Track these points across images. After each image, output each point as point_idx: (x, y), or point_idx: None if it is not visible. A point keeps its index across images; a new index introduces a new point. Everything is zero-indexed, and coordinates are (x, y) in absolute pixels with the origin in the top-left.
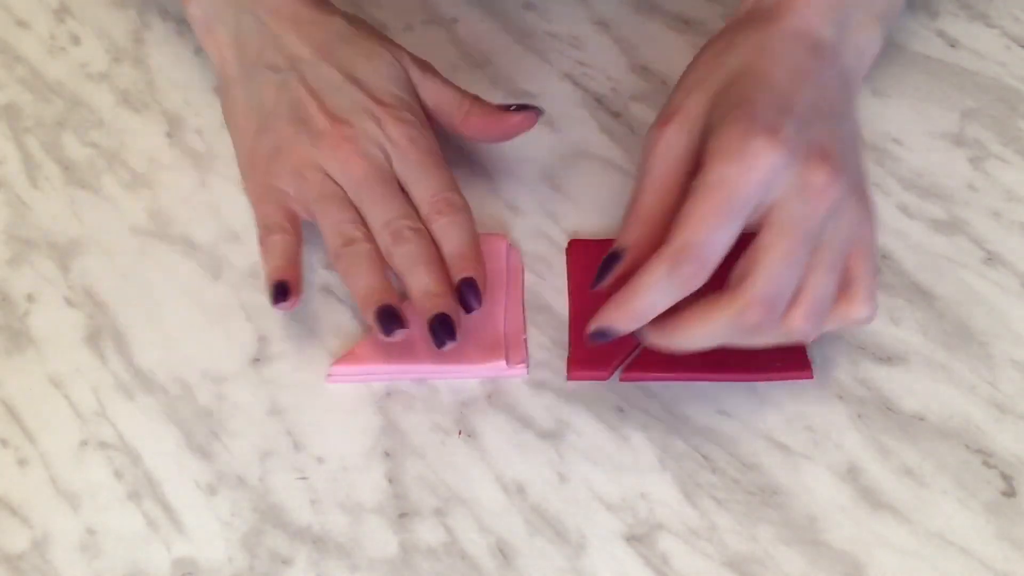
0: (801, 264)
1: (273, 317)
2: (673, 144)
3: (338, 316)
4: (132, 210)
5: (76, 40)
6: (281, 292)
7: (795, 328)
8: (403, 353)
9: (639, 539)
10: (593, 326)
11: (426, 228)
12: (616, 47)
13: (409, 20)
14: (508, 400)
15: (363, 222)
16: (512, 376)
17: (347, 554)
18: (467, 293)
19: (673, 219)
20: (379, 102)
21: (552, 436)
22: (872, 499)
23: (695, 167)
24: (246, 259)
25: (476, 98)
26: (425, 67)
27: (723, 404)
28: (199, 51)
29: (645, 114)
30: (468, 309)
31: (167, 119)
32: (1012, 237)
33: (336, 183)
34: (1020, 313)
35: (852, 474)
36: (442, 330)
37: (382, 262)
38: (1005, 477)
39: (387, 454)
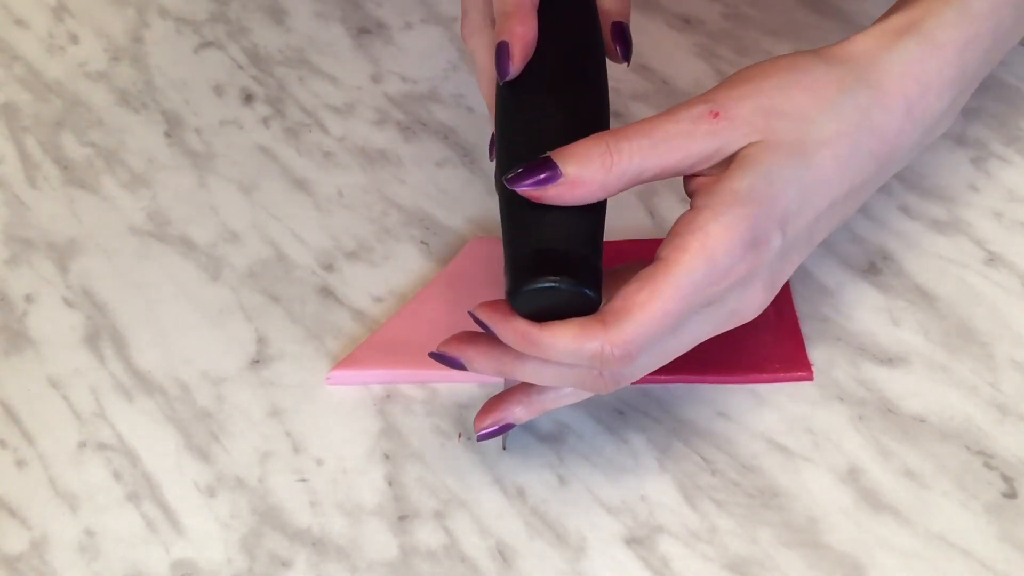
0: (674, 335)
1: (272, 318)
2: (706, 140)
3: (338, 317)
4: (131, 210)
5: (75, 39)
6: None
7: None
8: (404, 357)
9: (639, 542)
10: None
11: None
12: None
13: (408, 19)
14: None
15: None
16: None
17: (347, 556)
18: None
19: (628, 293)
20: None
21: (552, 438)
22: (873, 501)
23: (698, 170)
24: (245, 259)
25: None
26: None
27: (723, 406)
28: (198, 50)
29: (645, 114)
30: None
31: (166, 119)
32: (1014, 238)
33: None
34: (1021, 314)
35: (853, 476)
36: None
37: None
38: (1006, 479)
39: (387, 456)
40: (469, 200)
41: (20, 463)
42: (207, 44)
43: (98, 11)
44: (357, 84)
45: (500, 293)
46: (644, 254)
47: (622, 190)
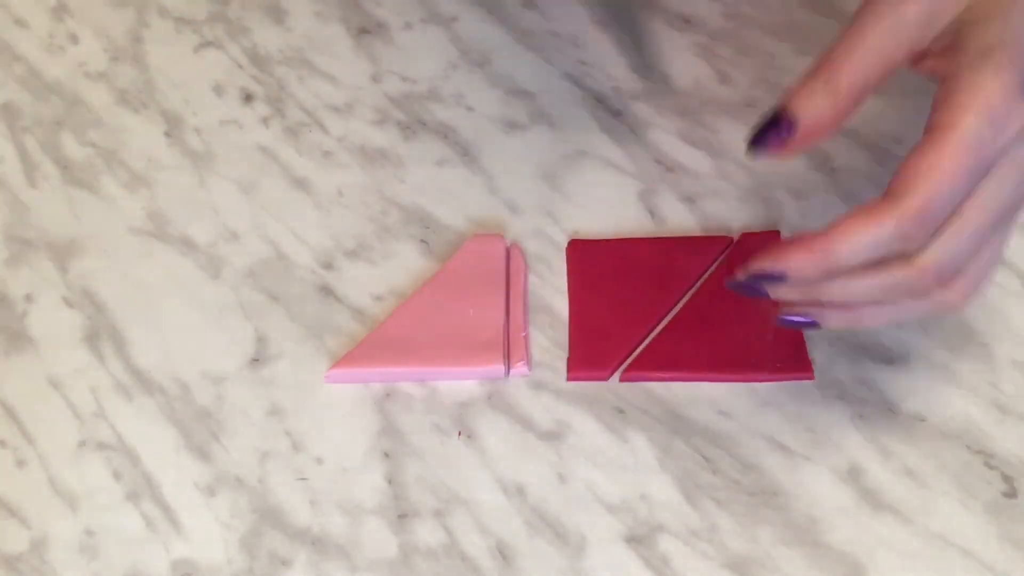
0: (986, 242)
1: (272, 317)
2: (906, 25)
3: (338, 316)
4: (131, 210)
5: (74, 39)
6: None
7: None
8: (402, 355)
9: (639, 540)
10: (764, 266)
11: None
12: (616, 46)
13: (408, 18)
14: (508, 401)
15: None
16: (514, 375)
17: (346, 555)
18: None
19: (910, 163)
20: None
21: (552, 437)
22: (873, 500)
23: (915, 58)
24: (245, 259)
25: None
26: None
27: (723, 405)
28: (198, 49)
29: (645, 113)
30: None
31: (166, 118)
32: (1014, 237)
33: None
34: (1022, 314)
35: (853, 475)
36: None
37: None
38: (1006, 478)
39: (387, 455)
40: (469, 199)
41: (20, 463)
42: (207, 44)
43: (98, 11)
44: (357, 84)
45: (500, 291)
46: (652, 250)
47: (851, 116)
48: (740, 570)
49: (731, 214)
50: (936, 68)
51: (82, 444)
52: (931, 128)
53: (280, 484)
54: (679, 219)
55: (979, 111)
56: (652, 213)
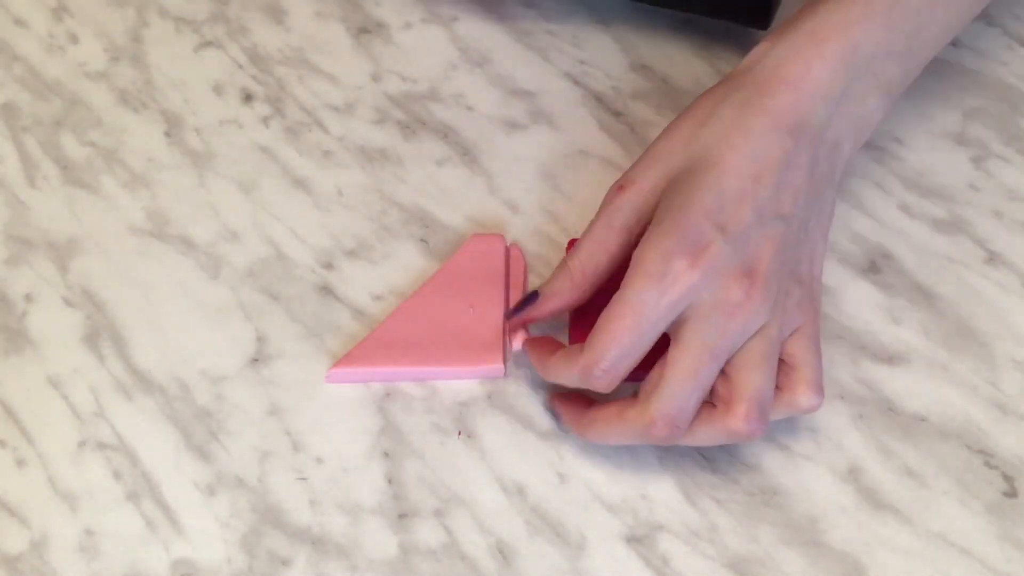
0: (705, 381)
1: (272, 317)
2: (621, 213)
3: (338, 316)
4: (131, 209)
5: (74, 39)
6: None
7: (736, 430)
8: (402, 355)
9: (639, 540)
10: (516, 345)
11: None
12: (616, 46)
13: (408, 18)
14: (508, 400)
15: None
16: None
17: (346, 555)
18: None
19: (595, 327)
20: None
21: (552, 436)
22: (873, 500)
23: (638, 237)
24: (245, 258)
25: None
26: None
27: None
28: (198, 49)
29: (645, 113)
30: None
31: (166, 118)
32: (1014, 237)
33: None
34: (1021, 313)
35: (853, 475)
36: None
37: None
38: (1007, 478)
39: (386, 455)
40: (468, 198)
41: (20, 463)
42: (207, 44)
43: (98, 11)
44: (357, 84)
45: (500, 291)
46: None
47: (593, 286)
48: (740, 570)
49: None
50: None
51: (82, 444)
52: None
53: (280, 484)
54: None
55: (639, 276)
56: None
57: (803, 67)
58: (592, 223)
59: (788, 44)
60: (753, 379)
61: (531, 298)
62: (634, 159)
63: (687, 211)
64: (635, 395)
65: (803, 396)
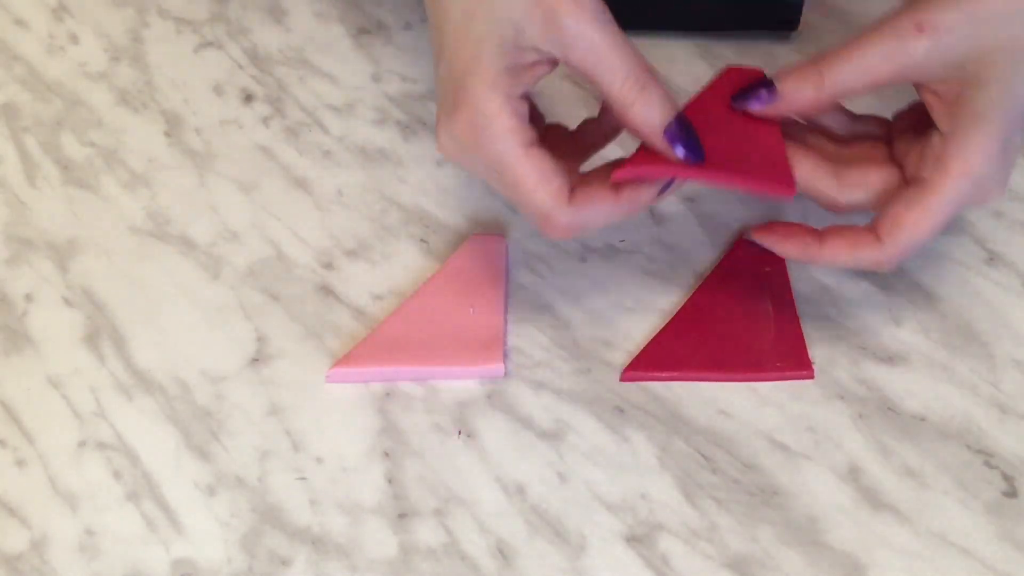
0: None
1: (272, 316)
2: (912, 56)
3: (338, 316)
4: (131, 210)
5: (75, 39)
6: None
7: (880, 265)
8: (403, 354)
9: (639, 539)
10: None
11: None
12: None
13: (408, 18)
14: (508, 400)
15: None
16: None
17: (346, 555)
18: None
19: (897, 212)
20: (446, 99)
21: (552, 436)
22: (873, 499)
23: (904, 82)
24: (245, 258)
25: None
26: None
27: (724, 404)
28: (198, 49)
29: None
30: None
31: (166, 118)
32: (1014, 237)
33: None
34: (1022, 313)
35: (853, 474)
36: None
37: None
38: (1006, 478)
39: (386, 454)
40: (468, 198)
41: (20, 462)
42: (207, 44)
43: (98, 11)
44: (357, 84)
45: (500, 291)
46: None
47: (834, 105)
48: (740, 570)
49: (731, 214)
50: (936, 111)
51: (82, 444)
52: (920, 182)
53: (280, 483)
54: (679, 219)
55: (963, 177)
56: (652, 213)
57: None
58: (866, 43)
59: None
60: (929, 232)
61: (766, 91)
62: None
63: (1010, 110)
64: (867, 227)
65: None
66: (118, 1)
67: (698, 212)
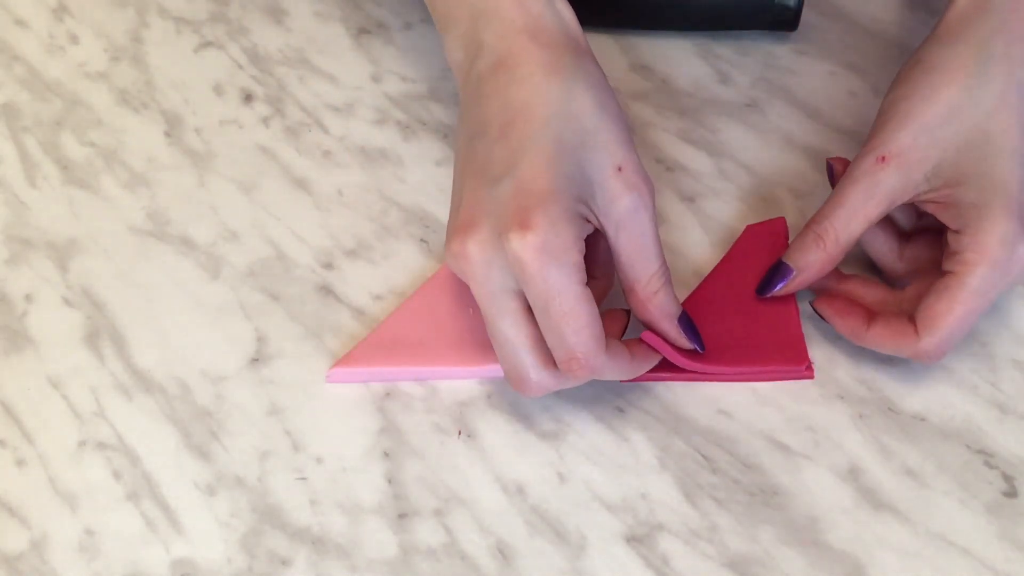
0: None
1: (272, 316)
2: (881, 186)
3: (338, 316)
4: (131, 210)
5: (75, 39)
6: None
7: (925, 357)
8: (403, 354)
9: (639, 539)
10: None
11: None
12: (616, 46)
13: (408, 18)
14: (508, 400)
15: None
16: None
17: (346, 555)
18: None
19: (931, 304)
20: (518, 210)
21: (552, 436)
22: (873, 499)
23: (893, 206)
24: (245, 258)
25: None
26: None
27: (724, 404)
28: (198, 49)
29: (645, 113)
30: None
31: (166, 118)
32: None
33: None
34: (1022, 313)
35: (853, 474)
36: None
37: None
38: (1006, 477)
39: (386, 454)
40: None
41: (20, 462)
42: (207, 44)
43: (98, 11)
44: (357, 84)
45: None
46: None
47: (844, 256)
48: (740, 570)
49: (731, 214)
50: (942, 215)
51: (82, 444)
52: (947, 275)
53: (280, 483)
54: (679, 219)
55: (985, 265)
56: None
57: None
58: (843, 192)
59: None
60: (960, 323)
61: (782, 272)
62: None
63: (1009, 190)
64: (911, 319)
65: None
66: (118, 1)
67: (698, 212)
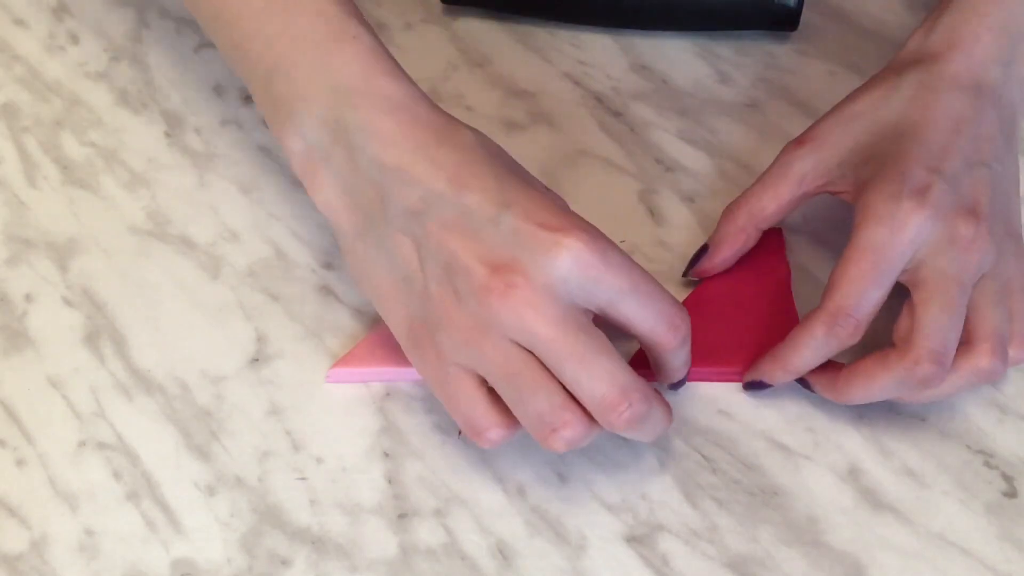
0: (961, 314)
1: (272, 316)
2: (798, 164)
3: (338, 316)
4: (131, 210)
5: (75, 39)
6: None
7: (984, 367)
8: (403, 355)
9: (639, 540)
10: (748, 377)
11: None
12: (616, 46)
13: (408, 19)
14: None
15: (568, 393)
16: None
17: (346, 555)
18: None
19: (830, 277)
20: (546, 223)
21: None
22: (873, 500)
23: (809, 191)
24: (245, 258)
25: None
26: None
27: (724, 404)
28: (198, 49)
29: (645, 113)
30: None
31: (166, 118)
32: None
33: (523, 348)
34: None
35: (853, 475)
36: None
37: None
38: (1006, 478)
39: (386, 454)
40: None
41: (20, 462)
42: (207, 44)
43: (98, 11)
44: None
45: None
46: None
47: (759, 233)
48: (740, 570)
49: None
50: (852, 201)
51: (82, 444)
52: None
53: (280, 484)
54: (679, 219)
55: (870, 221)
56: (652, 213)
57: (971, 36)
58: (764, 174)
59: (950, 21)
60: (993, 316)
61: (702, 251)
62: (635, 159)
63: (901, 160)
64: (890, 346)
65: (1017, 349)
66: (118, 1)
67: (698, 212)
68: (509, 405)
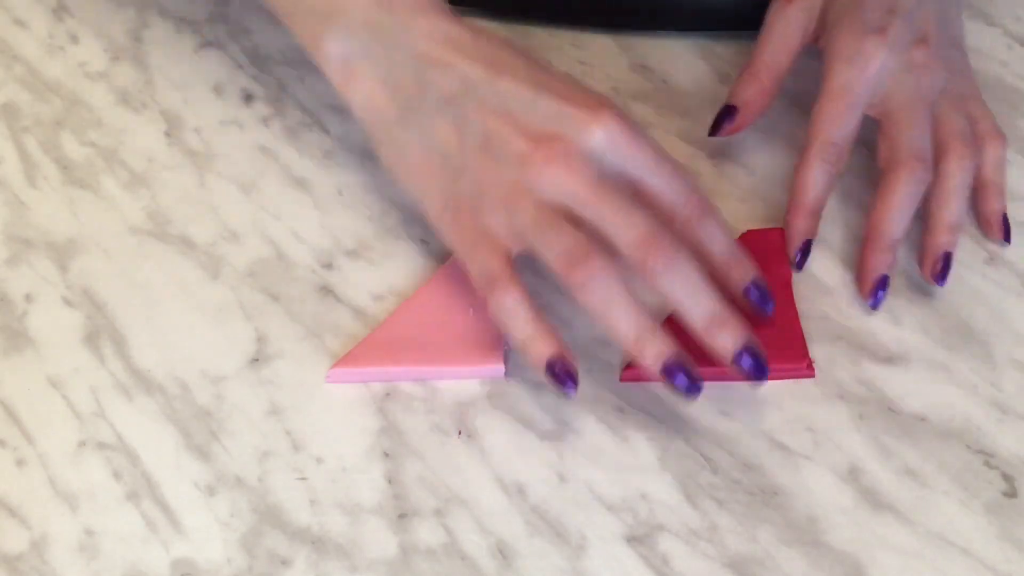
0: (928, 125)
1: (272, 317)
2: (792, 21)
3: (338, 316)
4: (131, 210)
5: (74, 39)
6: (560, 374)
7: (966, 156)
8: (403, 354)
9: (639, 540)
10: (796, 244)
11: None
12: (616, 46)
13: None
14: (508, 401)
15: (595, 240)
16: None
17: (346, 555)
18: (760, 299)
19: (811, 118)
20: (580, 104)
21: (552, 436)
22: (873, 500)
23: (808, 40)
24: (245, 259)
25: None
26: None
27: (724, 404)
28: (198, 49)
29: (645, 113)
30: (766, 316)
31: (166, 118)
32: (1014, 237)
33: (555, 204)
34: (1021, 313)
35: (853, 475)
36: (753, 365)
37: (631, 287)
38: (1006, 477)
39: (386, 454)
40: None
41: (20, 463)
42: (207, 44)
43: (98, 11)
44: None
45: None
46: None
47: (779, 87)
48: (740, 570)
49: (731, 214)
50: (820, 45)
51: (82, 444)
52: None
53: (280, 484)
54: None
55: (837, 62)
56: None
57: None
58: (764, 36)
59: None
60: (957, 121)
61: (727, 112)
62: None
63: (861, 5)
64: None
65: (993, 140)
66: (118, 1)
67: None
68: (538, 253)
